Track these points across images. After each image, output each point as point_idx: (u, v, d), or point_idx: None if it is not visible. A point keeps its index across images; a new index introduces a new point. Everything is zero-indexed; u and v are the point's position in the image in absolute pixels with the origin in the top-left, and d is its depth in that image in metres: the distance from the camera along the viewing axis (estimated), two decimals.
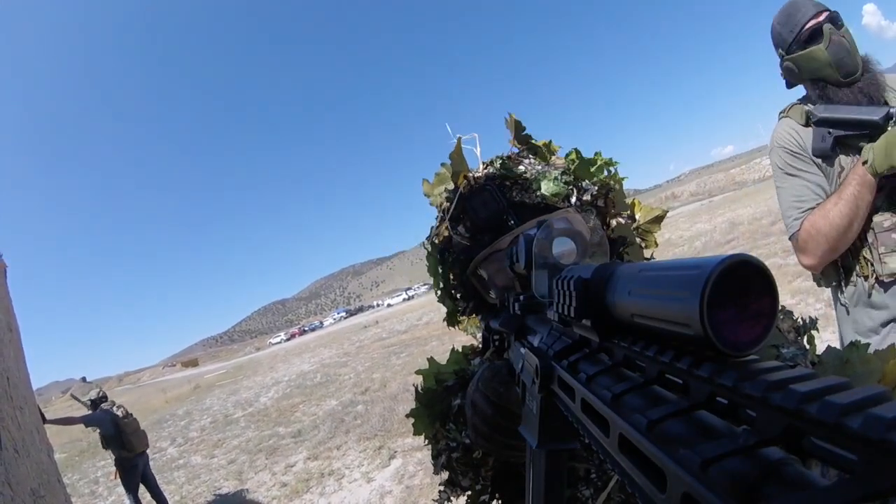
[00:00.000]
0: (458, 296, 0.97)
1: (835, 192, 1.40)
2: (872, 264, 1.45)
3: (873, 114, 1.35)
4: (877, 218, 1.42)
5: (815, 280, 1.65)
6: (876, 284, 1.47)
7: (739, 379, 0.21)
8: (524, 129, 0.95)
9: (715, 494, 0.19)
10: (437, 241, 0.92)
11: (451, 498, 0.92)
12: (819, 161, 1.48)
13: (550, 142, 0.95)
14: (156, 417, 14.26)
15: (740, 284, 0.22)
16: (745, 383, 0.20)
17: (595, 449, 0.31)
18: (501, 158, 0.90)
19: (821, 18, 1.42)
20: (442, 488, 0.92)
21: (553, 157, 0.92)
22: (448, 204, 0.89)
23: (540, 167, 0.88)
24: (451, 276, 0.94)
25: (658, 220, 0.99)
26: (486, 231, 0.84)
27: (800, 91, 1.60)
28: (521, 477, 0.52)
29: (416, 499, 4.47)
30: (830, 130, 1.43)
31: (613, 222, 0.92)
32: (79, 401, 5.80)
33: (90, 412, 5.34)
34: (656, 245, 0.99)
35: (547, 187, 0.84)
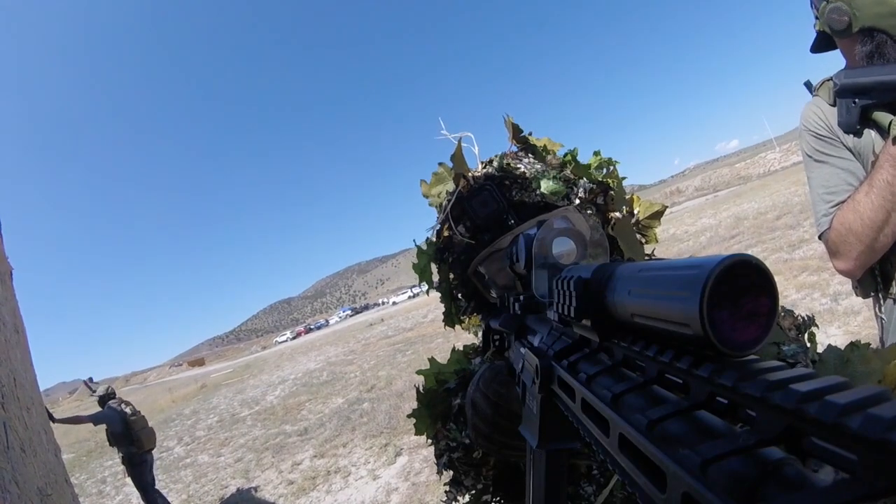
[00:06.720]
0: (460, 295, 0.97)
1: (865, 180, 1.15)
2: None
3: None
4: None
5: (853, 288, 1.38)
6: None
7: (739, 379, 0.21)
8: (521, 130, 0.95)
9: (715, 494, 0.19)
10: (436, 241, 0.93)
11: (458, 498, 0.92)
12: (852, 144, 1.23)
13: (548, 140, 0.95)
14: (163, 417, 14.34)
15: (740, 284, 0.22)
16: (745, 383, 0.20)
17: (595, 448, 0.31)
18: (500, 158, 0.90)
19: None
20: (447, 488, 0.92)
21: (550, 157, 0.92)
22: (447, 204, 0.89)
23: (539, 166, 0.88)
24: (452, 276, 0.95)
25: (657, 215, 0.98)
26: (487, 230, 0.84)
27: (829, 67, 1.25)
28: (523, 476, 0.52)
29: (422, 496, 4.48)
30: (856, 100, 1.17)
31: (613, 218, 0.92)
32: (91, 390, 5.83)
33: (98, 410, 5.37)
34: (656, 241, 0.99)
35: (546, 186, 0.84)
